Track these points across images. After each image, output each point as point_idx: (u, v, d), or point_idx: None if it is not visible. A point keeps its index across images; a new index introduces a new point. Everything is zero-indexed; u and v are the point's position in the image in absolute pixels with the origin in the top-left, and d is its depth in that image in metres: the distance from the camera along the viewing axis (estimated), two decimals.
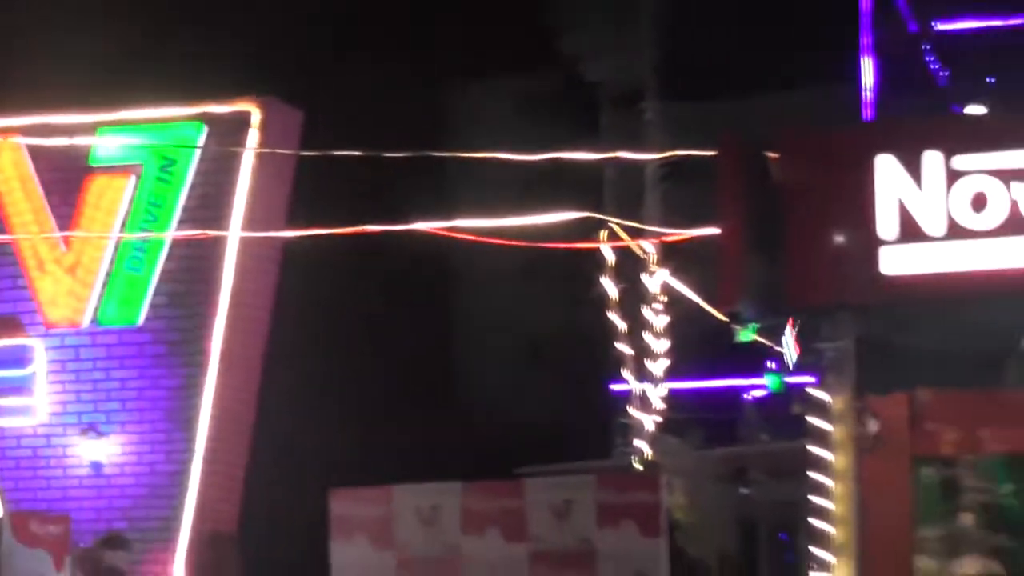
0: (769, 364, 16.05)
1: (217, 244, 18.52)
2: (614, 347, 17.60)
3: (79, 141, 17.89)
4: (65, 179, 18.48)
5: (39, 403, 18.21)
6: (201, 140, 18.96)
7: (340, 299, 22.90)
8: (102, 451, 18.04)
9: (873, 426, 14.69)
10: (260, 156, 19.04)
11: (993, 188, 12.38)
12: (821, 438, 13.40)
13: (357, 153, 16.49)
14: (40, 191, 18.51)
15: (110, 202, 18.29)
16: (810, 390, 13.76)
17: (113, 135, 18.96)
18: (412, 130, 18.68)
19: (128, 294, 18.44)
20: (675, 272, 17.22)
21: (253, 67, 22.99)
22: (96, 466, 18.30)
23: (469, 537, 13.31)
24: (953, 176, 12.46)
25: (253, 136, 18.67)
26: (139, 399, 18.54)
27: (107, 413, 18.51)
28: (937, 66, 20.96)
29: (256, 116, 18.67)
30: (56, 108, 18.78)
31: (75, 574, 15.99)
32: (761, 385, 17.77)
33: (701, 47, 24.87)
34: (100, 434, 18.16)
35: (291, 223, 19.28)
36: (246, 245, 18.82)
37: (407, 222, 17.81)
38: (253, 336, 19.32)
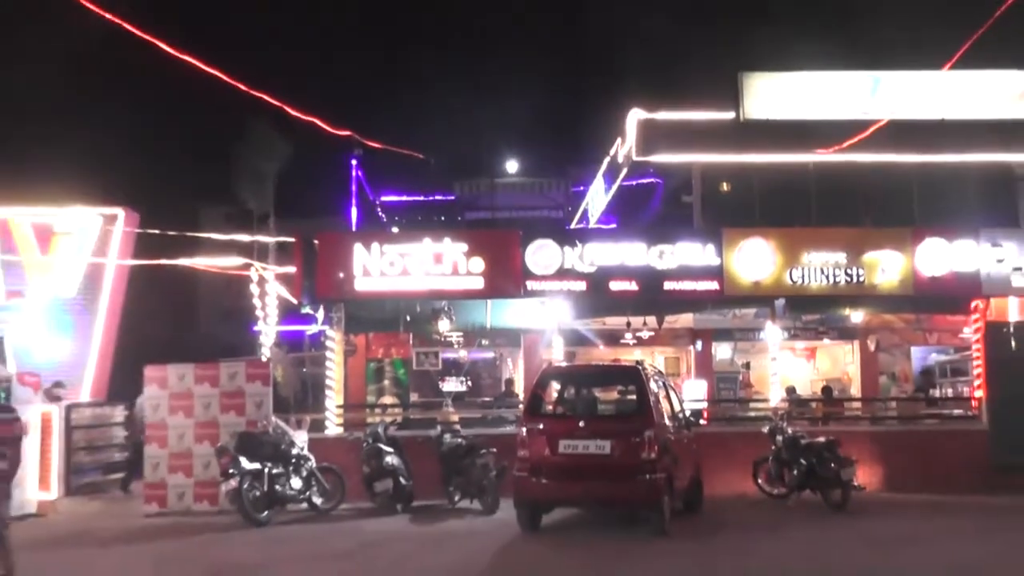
0: (314, 319, 19.91)
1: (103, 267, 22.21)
2: (255, 314, 21.47)
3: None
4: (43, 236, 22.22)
5: None
6: (99, 223, 22.60)
7: (140, 302, 25.08)
8: None
9: (351, 346, 20.25)
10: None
11: (398, 258, 17.95)
12: (332, 350, 18.40)
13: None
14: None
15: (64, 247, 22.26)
16: (327, 330, 18.70)
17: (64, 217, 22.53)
18: (177, 225, 22.14)
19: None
20: (283, 284, 21.16)
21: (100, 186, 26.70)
22: None
23: (198, 385, 16.82)
24: (382, 252, 17.94)
25: (120, 222, 22.63)
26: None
27: None
28: (381, 214, 28.32)
29: (121, 214, 22.72)
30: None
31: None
32: (312, 327, 21.65)
33: (294, 196, 32.37)
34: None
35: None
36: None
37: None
38: (114, 306, 22.91)
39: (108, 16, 11.30)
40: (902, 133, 19.98)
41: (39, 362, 20.90)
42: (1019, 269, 18.07)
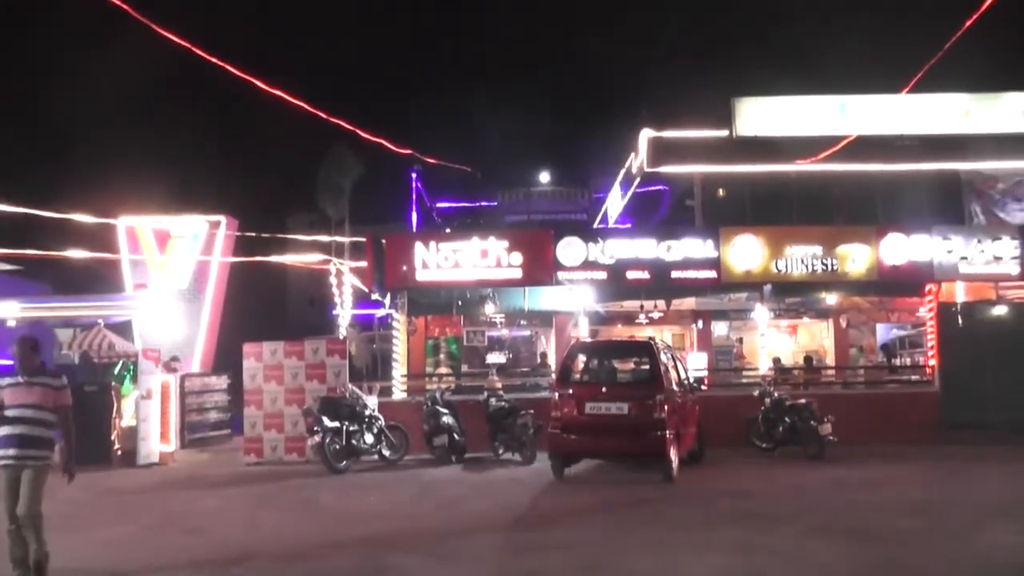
0: (382, 304, 19.57)
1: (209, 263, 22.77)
2: (334, 300, 21.63)
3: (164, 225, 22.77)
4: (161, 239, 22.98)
5: None
6: (206, 228, 23.55)
7: (240, 292, 25.53)
8: None
9: (413, 326, 19.86)
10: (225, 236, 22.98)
11: (451, 254, 17.95)
12: (397, 329, 18.40)
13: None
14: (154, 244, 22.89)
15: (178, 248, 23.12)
16: (393, 313, 18.70)
17: (178, 223, 23.41)
18: (270, 230, 22.26)
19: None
20: (356, 276, 21.31)
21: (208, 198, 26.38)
22: None
23: (287, 359, 16.59)
24: (438, 249, 17.90)
25: (223, 227, 23.41)
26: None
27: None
28: (437, 217, 27.76)
29: (223, 221, 23.36)
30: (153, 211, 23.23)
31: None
32: (380, 311, 21.38)
33: (365, 204, 31.62)
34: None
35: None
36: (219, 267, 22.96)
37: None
38: (218, 295, 23.63)
39: (219, 63, 11.23)
40: (867, 146, 19.89)
41: (159, 340, 21.23)
42: (965, 258, 18.06)
